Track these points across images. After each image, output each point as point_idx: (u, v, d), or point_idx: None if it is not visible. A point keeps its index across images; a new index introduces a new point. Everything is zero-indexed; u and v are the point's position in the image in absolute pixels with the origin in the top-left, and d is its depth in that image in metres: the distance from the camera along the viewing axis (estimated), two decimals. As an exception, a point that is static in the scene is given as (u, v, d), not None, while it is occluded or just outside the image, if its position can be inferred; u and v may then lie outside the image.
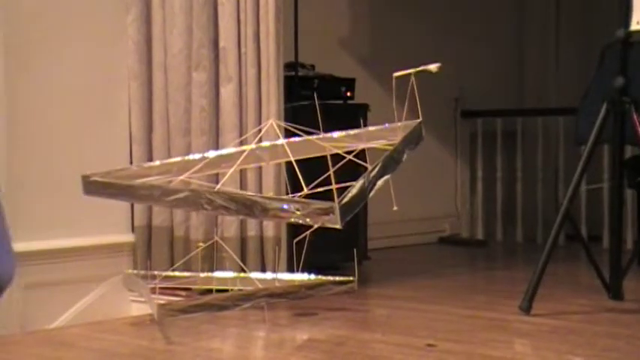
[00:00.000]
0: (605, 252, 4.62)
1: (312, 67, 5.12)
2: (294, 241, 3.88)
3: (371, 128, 3.84)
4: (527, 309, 3.73)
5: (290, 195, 3.67)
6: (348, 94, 5.08)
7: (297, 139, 3.73)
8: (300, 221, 3.25)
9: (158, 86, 4.53)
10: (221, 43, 4.37)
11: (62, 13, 4.33)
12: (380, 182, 3.29)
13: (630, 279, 4.14)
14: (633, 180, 4.59)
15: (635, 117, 3.82)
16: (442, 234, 6.46)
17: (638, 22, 3.85)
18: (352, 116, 4.57)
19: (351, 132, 3.79)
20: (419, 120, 3.59)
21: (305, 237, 3.67)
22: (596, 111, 3.91)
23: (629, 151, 4.81)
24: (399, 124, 3.56)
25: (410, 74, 3.47)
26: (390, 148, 3.44)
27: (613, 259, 4.04)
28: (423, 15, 6.25)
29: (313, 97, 4.07)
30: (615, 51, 4.01)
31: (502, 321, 3.68)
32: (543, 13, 6.89)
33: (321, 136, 3.69)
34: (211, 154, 3.88)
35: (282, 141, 3.74)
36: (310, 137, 3.68)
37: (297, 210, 3.18)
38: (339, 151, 3.54)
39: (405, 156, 3.48)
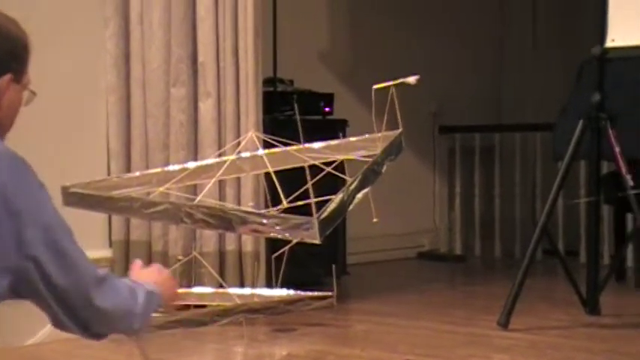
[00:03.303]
0: (582, 267, 4.64)
1: (291, 82, 5.12)
2: (273, 256, 3.87)
3: (351, 139, 3.84)
4: (505, 324, 3.74)
5: (269, 208, 3.67)
6: (327, 109, 5.08)
7: (276, 149, 3.73)
8: (279, 236, 3.25)
9: (136, 101, 4.51)
10: (200, 58, 4.36)
11: (39, 27, 4.29)
12: (359, 195, 3.29)
13: (607, 294, 4.16)
14: (610, 196, 4.61)
15: (610, 133, 3.85)
16: (421, 249, 6.46)
17: (613, 40, 3.88)
18: (331, 131, 4.56)
19: (332, 142, 3.80)
20: (399, 130, 3.60)
21: (284, 252, 3.67)
22: (574, 127, 3.93)
23: (605, 167, 4.84)
24: (379, 134, 3.56)
25: (390, 87, 3.49)
26: (370, 160, 3.45)
27: (590, 275, 4.06)
28: (403, 30, 6.27)
29: (292, 113, 4.07)
30: (592, 67, 4.04)
31: (481, 336, 3.69)
32: (522, 29, 6.93)
33: (301, 146, 3.69)
34: (191, 164, 3.87)
35: (261, 152, 3.74)
36: (290, 148, 3.68)
37: (276, 225, 3.18)
38: (318, 163, 3.54)
39: (384, 167, 3.48)
